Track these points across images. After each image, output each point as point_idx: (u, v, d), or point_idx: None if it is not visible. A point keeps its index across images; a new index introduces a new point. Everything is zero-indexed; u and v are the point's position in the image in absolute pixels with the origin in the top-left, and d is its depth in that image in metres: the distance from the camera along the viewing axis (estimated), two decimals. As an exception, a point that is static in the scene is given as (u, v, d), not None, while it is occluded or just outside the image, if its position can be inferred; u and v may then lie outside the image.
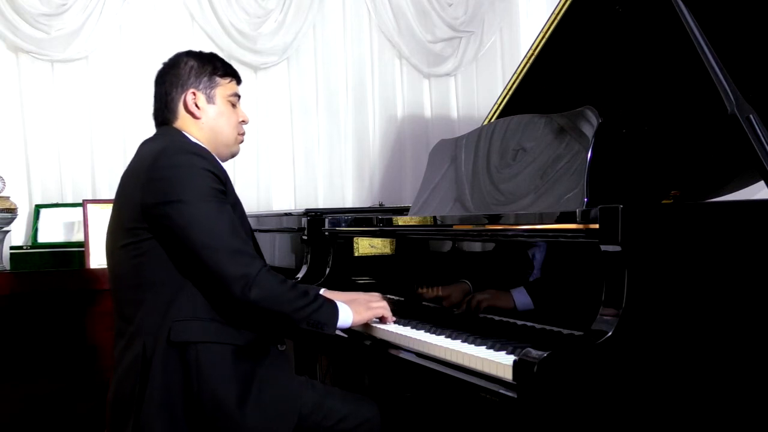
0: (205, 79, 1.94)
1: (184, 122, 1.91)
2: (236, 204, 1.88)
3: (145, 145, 1.90)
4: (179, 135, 1.90)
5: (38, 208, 3.24)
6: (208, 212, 1.76)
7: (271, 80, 3.70)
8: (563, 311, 1.61)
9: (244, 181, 3.64)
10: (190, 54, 1.98)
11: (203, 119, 1.92)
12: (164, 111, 1.93)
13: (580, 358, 1.37)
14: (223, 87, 1.95)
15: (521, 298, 1.75)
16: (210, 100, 1.93)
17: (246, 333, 1.80)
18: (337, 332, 1.95)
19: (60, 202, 3.30)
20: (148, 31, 3.46)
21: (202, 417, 1.72)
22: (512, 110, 2.31)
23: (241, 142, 2.00)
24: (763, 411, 1.48)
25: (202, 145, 1.88)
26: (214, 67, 1.96)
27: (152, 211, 1.75)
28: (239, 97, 2.00)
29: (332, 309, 1.85)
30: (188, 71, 1.94)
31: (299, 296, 1.80)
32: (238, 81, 2.01)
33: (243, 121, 1.99)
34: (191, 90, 1.91)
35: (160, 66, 1.98)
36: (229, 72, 1.98)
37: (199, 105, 1.91)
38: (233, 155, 1.97)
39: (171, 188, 1.76)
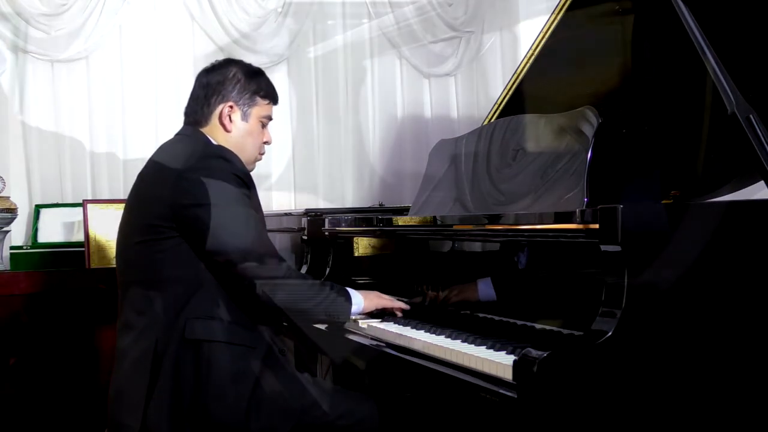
0: (247, 96, 1.98)
1: (213, 130, 1.95)
2: (258, 207, 1.93)
3: (169, 146, 1.93)
4: (205, 139, 1.92)
5: (38, 208, 3.25)
6: (238, 216, 1.83)
7: (271, 80, 3.69)
8: (563, 311, 1.61)
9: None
10: (240, 65, 2.01)
11: (233, 133, 1.96)
12: (198, 112, 1.96)
13: (580, 358, 1.37)
14: (260, 107, 1.99)
15: (488, 289, 1.79)
16: (245, 117, 1.97)
17: (255, 335, 1.85)
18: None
19: (60, 202, 3.30)
20: (148, 31, 3.46)
21: (207, 413, 1.74)
22: (512, 110, 2.31)
23: (259, 160, 2.05)
24: (763, 410, 1.48)
25: (229, 149, 1.90)
26: (258, 86, 1.99)
27: (183, 212, 1.80)
28: (271, 119, 2.03)
29: (346, 299, 1.94)
30: (234, 83, 1.97)
31: (318, 292, 1.90)
32: (276, 103, 2.05)
33: (266, 142, 2.03)
34: (230, 103, 1.94)
35: (207, 64, 2.00)
36: (269, 94, 2.01)
37: (232, 119, 1.95)
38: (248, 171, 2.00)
39: (204, 191, 1.81)
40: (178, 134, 1.97)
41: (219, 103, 1.94)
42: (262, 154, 2.05)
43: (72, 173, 3.35)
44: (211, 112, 1.95)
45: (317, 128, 3.75)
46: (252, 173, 1.95)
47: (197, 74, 2.00)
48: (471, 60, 4.05)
